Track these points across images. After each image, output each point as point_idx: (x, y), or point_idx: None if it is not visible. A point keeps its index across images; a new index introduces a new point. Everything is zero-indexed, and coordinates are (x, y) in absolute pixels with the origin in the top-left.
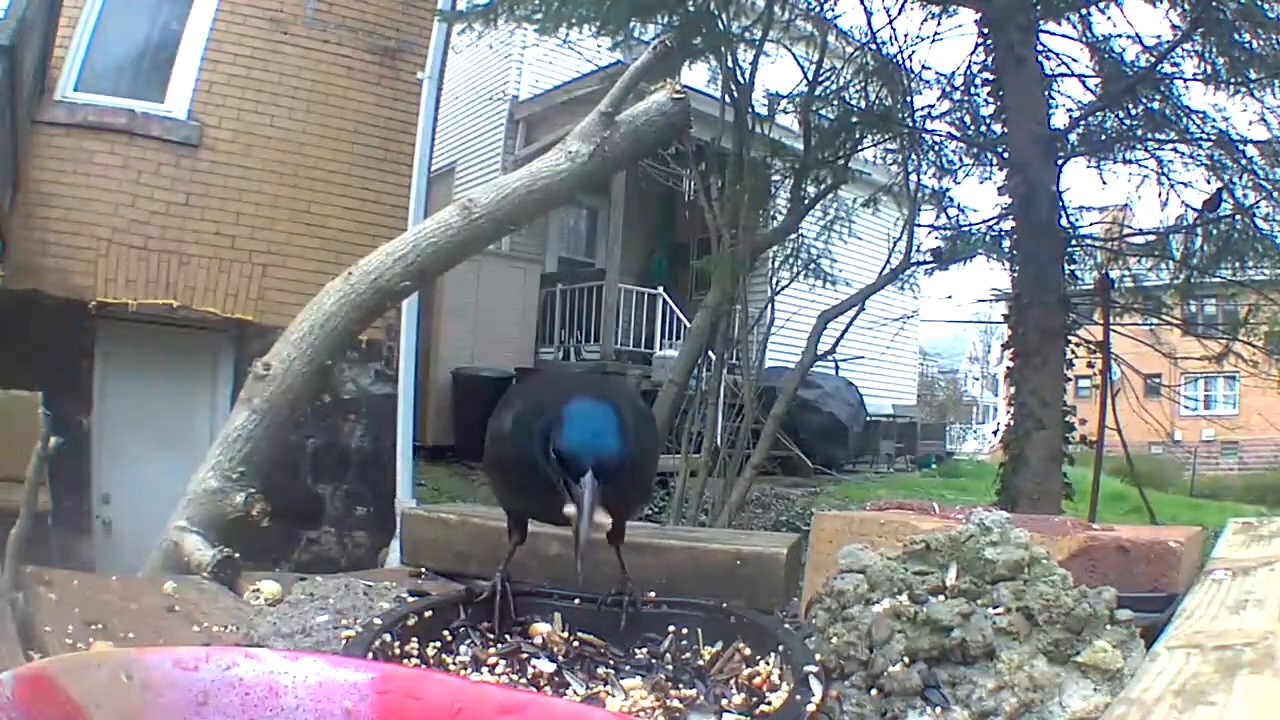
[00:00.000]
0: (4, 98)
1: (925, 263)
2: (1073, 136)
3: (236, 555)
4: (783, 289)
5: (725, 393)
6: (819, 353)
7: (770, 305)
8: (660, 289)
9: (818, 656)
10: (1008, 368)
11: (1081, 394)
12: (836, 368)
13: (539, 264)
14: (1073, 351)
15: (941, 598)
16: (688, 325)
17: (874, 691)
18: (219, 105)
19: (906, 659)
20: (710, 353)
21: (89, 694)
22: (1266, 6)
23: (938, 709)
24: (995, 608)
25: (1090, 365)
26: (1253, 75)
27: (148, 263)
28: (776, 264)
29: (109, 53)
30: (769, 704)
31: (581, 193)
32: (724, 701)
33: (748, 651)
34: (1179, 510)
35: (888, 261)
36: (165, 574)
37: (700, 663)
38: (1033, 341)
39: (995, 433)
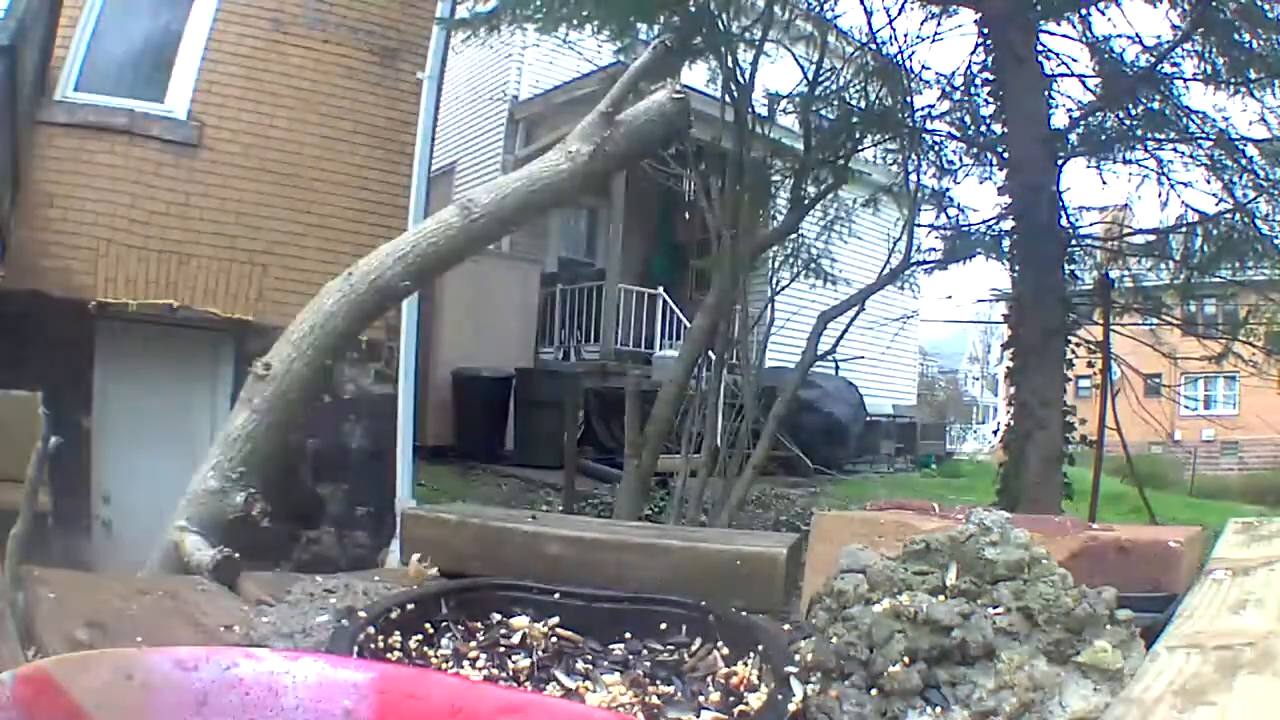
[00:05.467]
0: (4, 98)
1: (925, 263)
2: (1073, 136)
3: (236, 555)
4: (783, 289)
5: (725, 393)
6: (819, 353)
7: (770, 305)
8: (660, 289)
9: (809, 656)
10: (1008, 368)
11: (1081, 394)
12: (836, 368)
13: (539, 264)
14: (1073, 351)
15: (941, 598)
16: (688, 325)
17: (874, 691)
18: (219, 105)
19: (906, 659)
20: (710, 353)
21: (89, 694)
22: (1266, 6)
23: (938, 709)
24: (995, 608)
25: (1090, 365)
26: (1253, 75)
27: (148, 263)
28: (776, 264)
29: (109, 53)
30: (746, 704)
31: (581, 193)
32: (701, 699)
33: (726, 651)
34: (1179, 510)
35: (888, 261)
36: (165, 574)
37: (677, 660)
38: (1033, 341)
39: (995, 433)
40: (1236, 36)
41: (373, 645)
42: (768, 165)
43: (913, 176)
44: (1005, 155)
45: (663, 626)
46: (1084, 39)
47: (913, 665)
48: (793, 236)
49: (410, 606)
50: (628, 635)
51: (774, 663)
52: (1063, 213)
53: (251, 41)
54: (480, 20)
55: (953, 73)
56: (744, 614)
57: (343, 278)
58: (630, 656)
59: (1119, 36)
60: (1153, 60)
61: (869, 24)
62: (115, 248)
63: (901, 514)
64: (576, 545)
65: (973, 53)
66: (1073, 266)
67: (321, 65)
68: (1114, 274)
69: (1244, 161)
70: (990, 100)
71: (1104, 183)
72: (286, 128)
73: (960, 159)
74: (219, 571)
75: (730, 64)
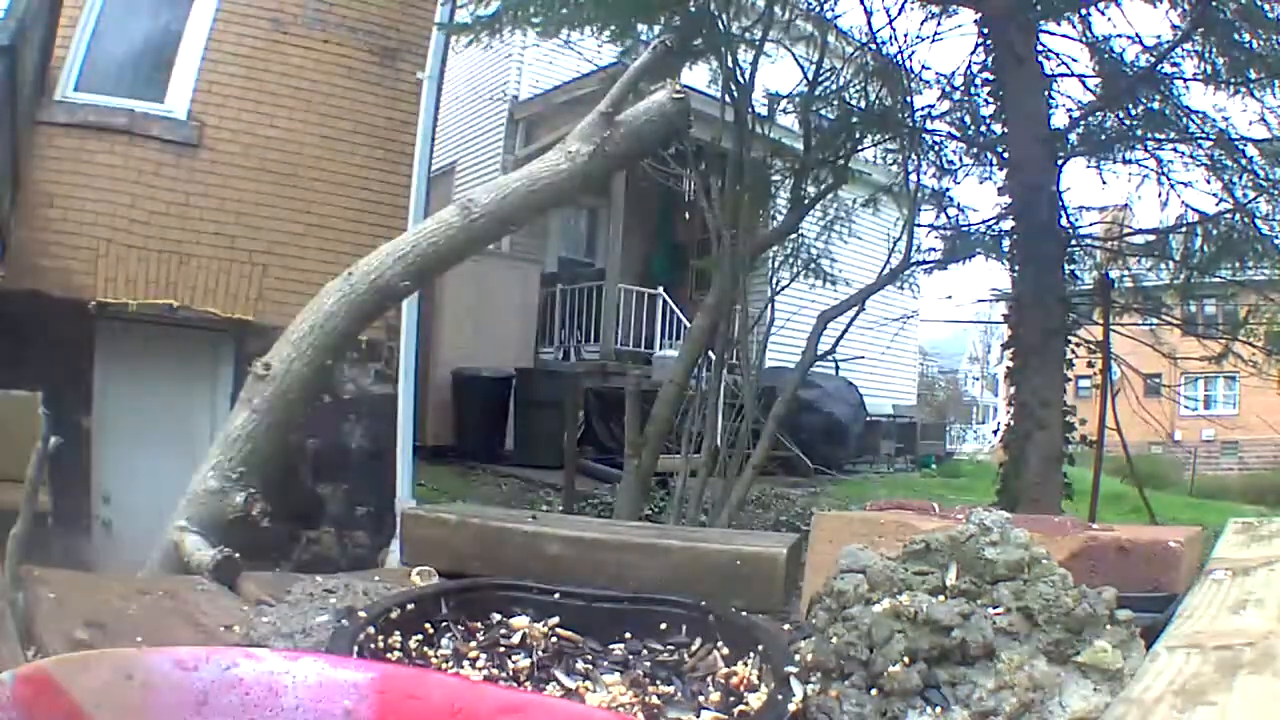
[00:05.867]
0: (4, 98)
1: (925, 263)
2: (1073, 136)
3: (236, 555)
4: (783, 289)
5: (725, 393)
6: (819, 353)
7: (770, 305)
8: (660, 289)
9: (809, 656)
10: (1008, 368)
11: (1081, 394)
12: (836, 368)
13: (539, 264)
14: (1073, 351)
15: (941, 598)
16: (688, 325)
17: (874, 691)
18: (219, 105)
19: (906, 659)
20: (710, 353)
21: (89, 694)
22: (1266, 6)
23: (938, 709)
24: (995, 608)
25: (1090, 365)
26: (1253, 75)
27: (148, 263)
28: (776, 264)
29: (109, 53)
30: (746, 704)
31: (581, 193)
32: (701, 699)
33: (726, 651)
34: (1179, 510)
35: (888, 261)
36: (165, 574)
37: (677, 660)
38: (1033, 341)
39: (995, 433)
40: (1236, 36)
41: (373, 645)
42: (768, 165)
43: (913, 176)
44: (1005, 155)
45: (663, 626)
46: (1084, 39)
47: (913, 665)
48: (793, 236)
49: (410, 606)
50: (628, 635)
51: (774, 663)
52: (1063, 213)
53: (251, 41)
54: (481, 25)
55: (953, 73)
56: (744, 614)
57: (343, 278)
58: (630, 656)
59: (1119, 36)
60: (1153, 60)
61: (869, 24)
62: (115, 248)
63: (901, 514)
64: (576, 545)
65: (973, 53)
66: (1073, 266)
67: (321, 65)
68: (1114, 274)
69: (1244, 161)
70: (990, 100)
71: (1104, 183)
72: (286, 128)
73: (960, 159)
74: (219, 571)
75: (730, 64)
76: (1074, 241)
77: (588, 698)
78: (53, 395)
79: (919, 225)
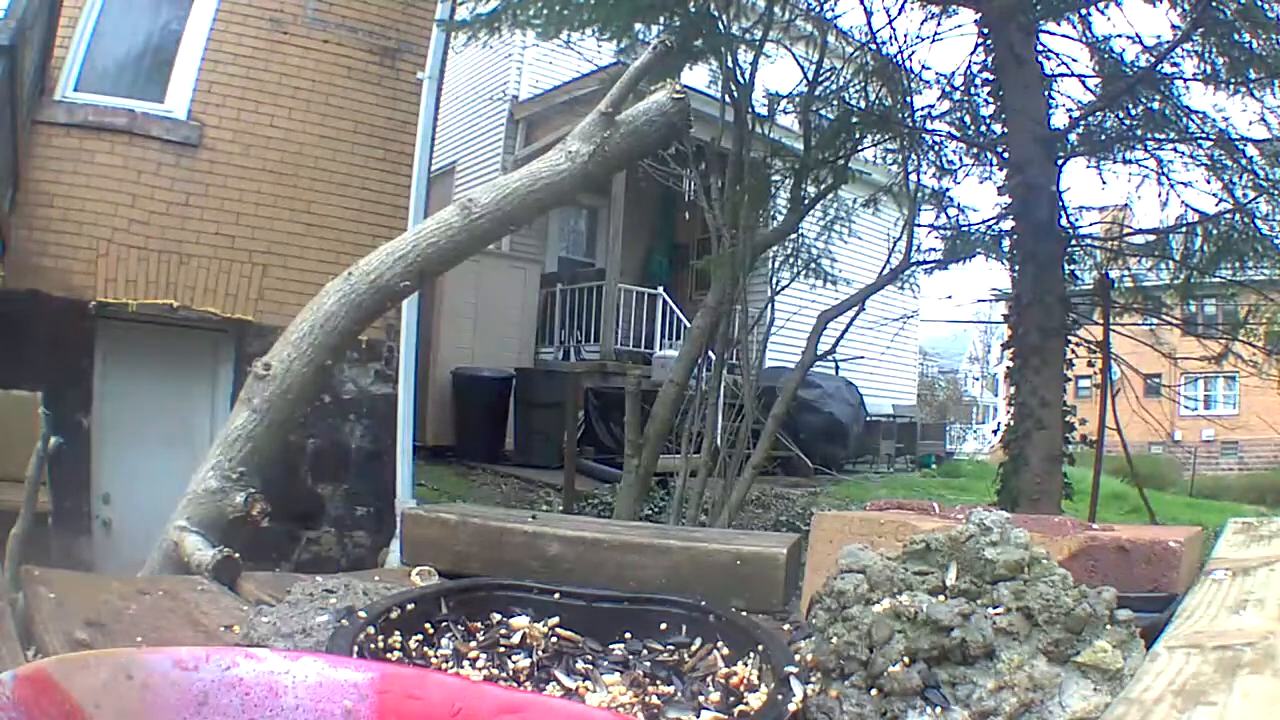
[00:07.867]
0: (4, 98)
1: (925, 263)
2: (1073, 136)
3: (236, 555)
4: (783, 289)
5: (725, 393)
6: (819, 353)
7: (770, 305)
8: (660, 289)
9: (809, 656)
10: (1008, 368)
11: (1081, 394)
12: (836, 368)
13: (539, 264)
14: (1073, 351)
15: (941, 598)
16: (688, 325)
17: (874, 691)
18: (219, 105)
19: (906, 659)
20: (710, 353)
21: (89, 694)
22: (1266, 6)
23: (938, 709)
24: (995, 608)
25: (1090, 365)
26: (1253, 75)
27: (148, 263)
28: (776, 264)
29: (109, 53)
30: (746, 704)
31: (581, 193)
32: (701, 699)
33: (726, 651)
34: (1179, 510)
35: (887, 261)
36: (165, 574)
37: (677, 660)
38: (1033, 341)
39: (995, 433)
40: (1236, 36)
41: (373, 645)
42: (768, 165)
43: (913, 176)
44: (1005, 155)
45: (663, 626)
46: (1084, 39)
47: (913, 665)
48: (793, 236)
49: (410, 606)
50: (628, 635)
51: (774, 663)
52: (1063, 213)
53: (251, 41)
54: (480, 23)
55: (953, 73)
56: (744, 614)
57: (343, 278)
58: (630, 656)
59: (1119, 36)
60: (1153, 60)
61: (869, 24)
62: (115, 248)
63: (901, 514)
64: (576, 545)
65: (973, 53)
66: (1073, 266)
67: (321, 65)
68: (1114, 274)
69: (1244, 161)
70: (990, 100)
71: (1104, 183)
72: (286, 128)
73: (960, 159)
74: (219, 571)
75: (730, 64)
76: (1074, 241)
77: (588, 698)
78: (53, 395)
79: (919, 225)
